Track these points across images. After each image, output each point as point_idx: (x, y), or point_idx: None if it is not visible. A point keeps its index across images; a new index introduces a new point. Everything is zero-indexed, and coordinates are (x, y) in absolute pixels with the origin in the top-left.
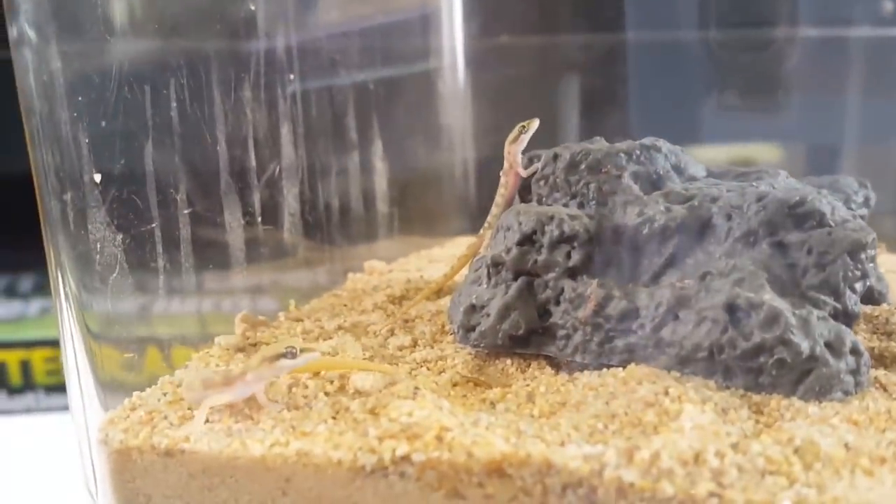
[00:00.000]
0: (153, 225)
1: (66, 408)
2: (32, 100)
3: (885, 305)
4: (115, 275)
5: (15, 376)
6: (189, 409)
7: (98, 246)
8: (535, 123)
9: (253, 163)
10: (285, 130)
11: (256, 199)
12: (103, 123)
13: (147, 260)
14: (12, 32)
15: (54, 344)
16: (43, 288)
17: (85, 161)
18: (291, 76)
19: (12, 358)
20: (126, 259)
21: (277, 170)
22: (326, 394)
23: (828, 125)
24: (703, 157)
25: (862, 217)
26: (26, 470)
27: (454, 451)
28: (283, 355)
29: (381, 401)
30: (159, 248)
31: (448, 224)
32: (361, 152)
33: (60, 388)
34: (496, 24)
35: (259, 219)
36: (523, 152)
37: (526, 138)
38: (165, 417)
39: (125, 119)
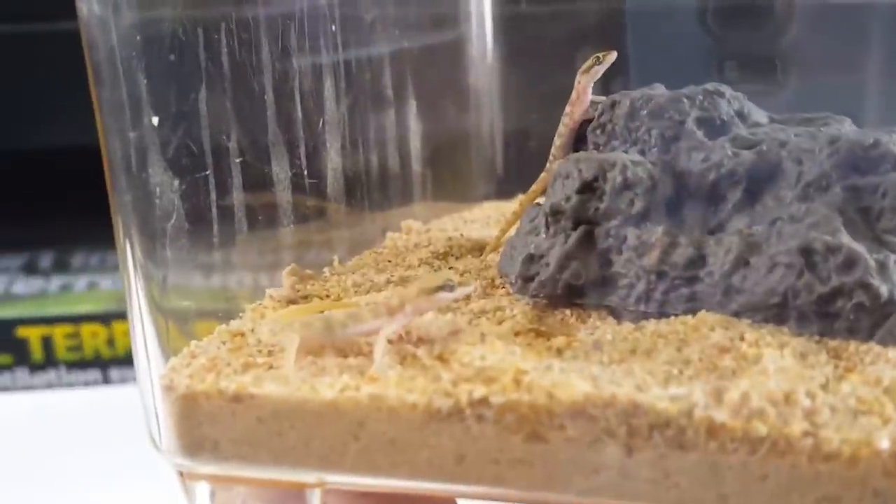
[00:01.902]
0: (207, 172)
1: (87, 383)
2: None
3: None
4: (172, 221)
5: (37, 353)
6: (261, 351)
7: (157, 190)
8: (612, 56)
9: (299, 114)
10: (328, 84)
11: (302, 151)
12: (160, 66)
13: (202, 207)
14: None
15: (75, 320)
16: (63, 265)
17: (144, 102)
18: (333, 27)
19: (34, 334)
20: (182, 205)
21: (321, 123)
22: (389, 342)
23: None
24: None
25: None
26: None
27: (534, 393)
28: (442, 287)
29: (448, 347)
30: (213, 196)
31: (476, 188)
32: (397, 113)
33: (81, 363)
34: None
35: (305, 171)
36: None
37: (600, 70)
38: (228, 364)
39: (179, 63)
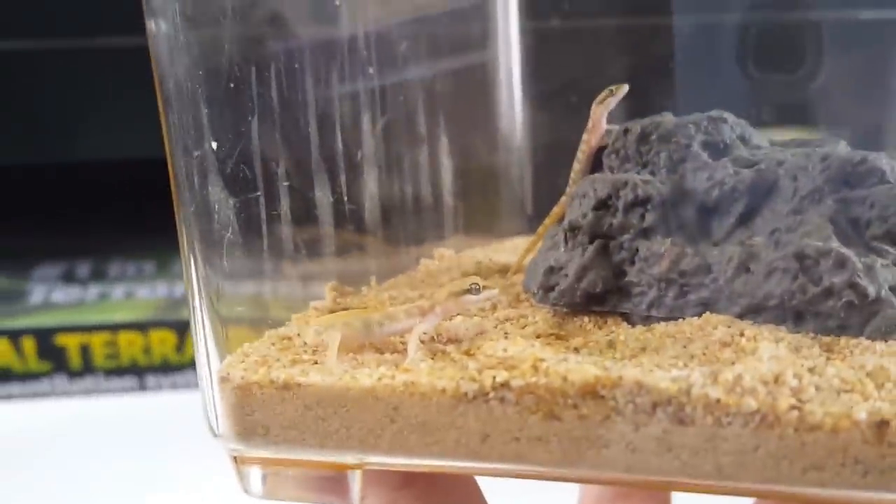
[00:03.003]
0: (258, 193)
1: (124, 390)
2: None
3: None
4: (229, 234)
5: (75, 360)
6: (307, 351)
7: (216, 206)
8: (625, 89)
9: (340, 146)
10: (366, 119)
11: (343, 180)
12: (218, 98)
13: (253, 225)
14: (150, 25)
15: (112, 328)
16: (100, 274)
17: (205, 130)
18: (371, 69)
19: (72, 342)
20: (237, 220)
21: (360, 155)
22: (422, 342)
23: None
24: None
25: None
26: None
27: (550, 377)
28: (469, 291)
29: (475, 344)
30: (263, 216)
31: (506, 224)
32: (429, 145)
33: (119, 371)
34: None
35: (346, 198)
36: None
37: (613, 101)
38: (278, 360)
39: (236, 95)
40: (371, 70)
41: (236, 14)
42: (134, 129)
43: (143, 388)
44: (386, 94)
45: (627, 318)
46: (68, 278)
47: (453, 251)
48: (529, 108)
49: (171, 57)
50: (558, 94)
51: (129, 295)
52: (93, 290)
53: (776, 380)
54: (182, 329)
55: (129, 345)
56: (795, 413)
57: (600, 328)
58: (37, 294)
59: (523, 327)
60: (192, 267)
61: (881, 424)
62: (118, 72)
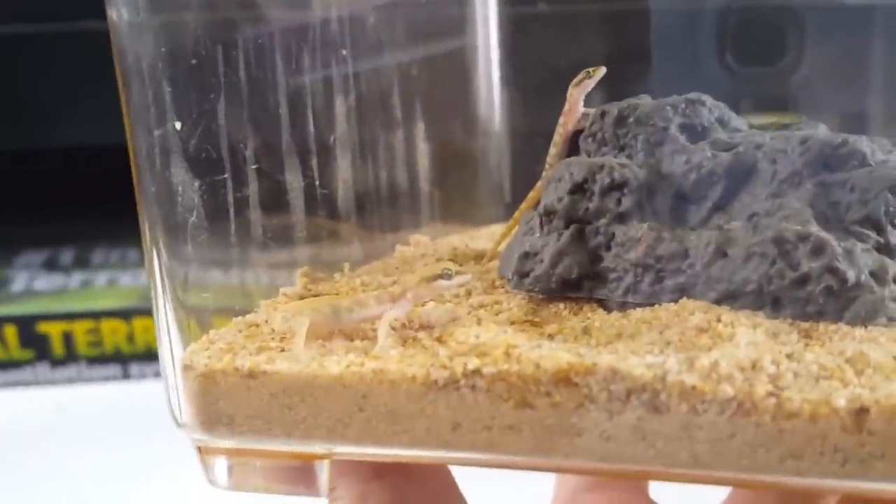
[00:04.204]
0: (225, 175)
1: (107, 378)
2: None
3: None
4: (193, 217)
5: (57, 348)
6: (275, 338)
7: (179, 188)
8: (602, 71)
9: (312, 130)
10: (339, 102)
11: (314, 163)
12: (183, 76)
13: (220, 209)
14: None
15: (96, 316)
16: (83, 261)
17: (168, 109)
18: (343, 52)
19: (55, 330)
20: (202, 204)
21: (332, 139)
22: (393, 328)
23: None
24: None
25: None
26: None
27: (522, 364)
28: (441, 276)
29: (447, 330)
30: (230, 198)
31: (483, 211)
32: (405, 131)
33: (102, 359)
34: None
35: (317, 182)
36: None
37: (590, 83)
38: (244, 347)
39: (200, 74)
40: (344, 53)
41: None
42: (117, 115)
43: (126, 376)
44: (360, 78)
45: (603, 303)
46: (51, 266)
47: (429, 238)
48: (507, 94)
49: (133, 37)
50: (537, 80)
51: (113, 282)
52: (76, 278)
53: (753, 366)
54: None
55: (113, 332)
56: (773, 400)
57: (576, 314)
58: (19, 282)
59: (497, 314)
60: (154, 252)
61: (861, 412)
62: (102, 57)
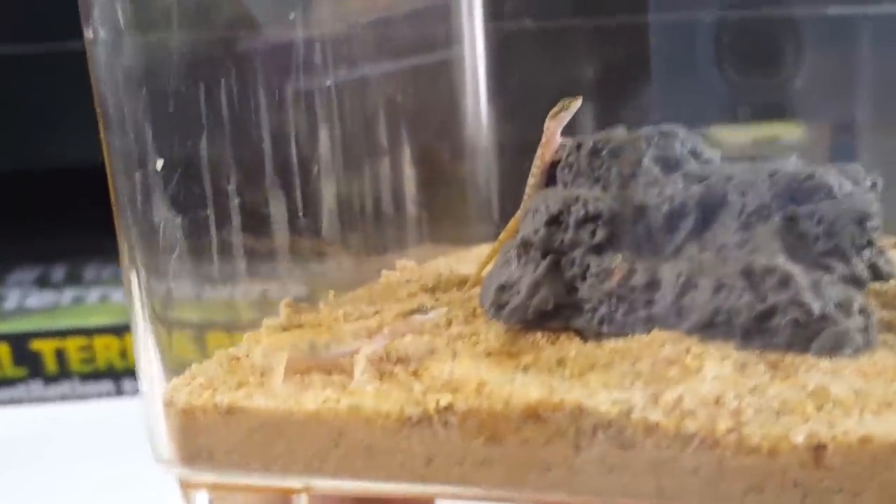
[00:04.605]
0: (208, 211)
1: (101, 395)
2: (105, 94)
3: (893, 282)
4: (175, 255)
5: (50, 365)
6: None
7: (161, 226)
8: (578, 102)
9: (295, 160)
10: (323, 132)
11: (299, 195)
12: (165, 114)
13: (202, 244)
14: (87, 32)
15: (88, 332)
16: (75, 278)
17: (149, 147)
18: (328, 81)
19: (47, 347)
20: (185, 241)
21: (317, 169)
22: (371, 362)
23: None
24: (726, 138)
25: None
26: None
27: (493, 400)
28: (416, 311)
29: (423, 364)
30: (212, 234)
31: (473, 230)
32: (391, 155)
33: (95, 375)
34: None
35: (301, 213)
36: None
37: (566, 116)
38: (224, 382)
39: (182, 111)
40: (328, 82)
41: (184, 19)
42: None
43: (120, 392)
44: (345, 100)
45: (580, 333)
46: (43, 283)
47: (415, 262)
48: (497, 113)
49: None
50: (527, 98)
51: (105, 298)
52: (68, 294)
53: (716, 401)
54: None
55: (106, 349)
56: (734, 436)
57: (553, 344)
58: (11, 299)
59: (475, 345)
60: (135, 282)
61: (818, 448)
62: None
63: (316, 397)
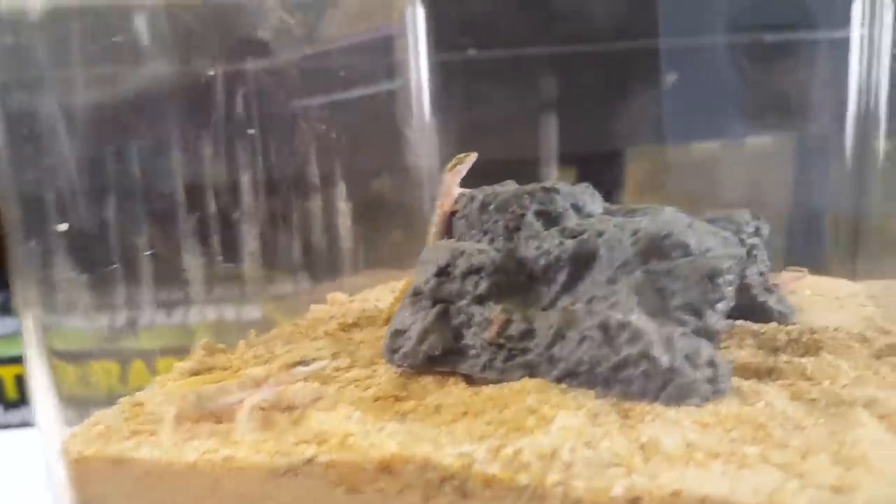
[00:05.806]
0: (114, 266)
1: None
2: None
3: (773, 324)
4: (77, 310)
5: (10, 391)
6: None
7: (63, 285)
8: (473, 157)
9: (214, 208)
10: (246, 177)
11: (216, 240)
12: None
13: (109, 298)
14: None
15: None
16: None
17: (51, 211)
18: (251, 131)
19: (7, 373)
20: (89, 296)
21: (238, 214)
22: (262, 409)
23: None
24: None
25: (754, 246)
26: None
27: (353, 452)
28: (299, 363)
29: (305, 413)
30: (121, 288)
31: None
32: (324, 189)
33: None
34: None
35: (220, 258)
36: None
37: (462, 169)
38: (119, 430)
39: (90, 173)
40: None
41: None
42: None
43: (82, 419)
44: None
45: (467, 378)
46: (4, 310)
47: (346, 294)
48: (438, 139)
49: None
50: (468, 125)
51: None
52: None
53: (552, 454)
54: (125, 359)
55: (67, 376)
56: (561, 488)
57: (441, 387)
58: None
59: (367, 388)
60: (34, 344)
61: (635, 500)
62: None
63: (197, 448)
